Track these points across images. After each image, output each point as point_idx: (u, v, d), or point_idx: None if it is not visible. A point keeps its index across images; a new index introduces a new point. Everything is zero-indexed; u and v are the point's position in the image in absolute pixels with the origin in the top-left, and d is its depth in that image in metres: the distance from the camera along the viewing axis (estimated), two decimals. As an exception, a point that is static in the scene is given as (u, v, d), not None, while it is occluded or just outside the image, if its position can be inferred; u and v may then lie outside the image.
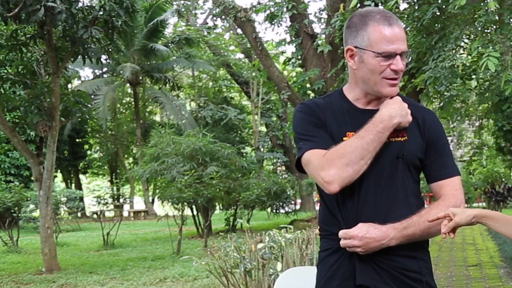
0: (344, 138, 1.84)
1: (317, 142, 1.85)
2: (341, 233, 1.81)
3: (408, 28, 8.09)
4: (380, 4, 8.98)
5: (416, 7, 8.06)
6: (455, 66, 7.40)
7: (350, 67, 1.89)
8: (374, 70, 1.82)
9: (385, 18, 1.82)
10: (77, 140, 29.05)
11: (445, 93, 7.79)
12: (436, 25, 7.97)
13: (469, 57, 8.07)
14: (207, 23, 25.15)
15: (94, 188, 33.93)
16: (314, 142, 1.86)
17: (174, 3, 25.53)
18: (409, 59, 1.91)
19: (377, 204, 1.83)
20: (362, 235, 1.77)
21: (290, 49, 19.95)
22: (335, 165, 1.77)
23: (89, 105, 13.75)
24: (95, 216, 18.75)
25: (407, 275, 1.83)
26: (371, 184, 1.83)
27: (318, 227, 2.01)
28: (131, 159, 32.84)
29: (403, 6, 9.38)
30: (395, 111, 1.81)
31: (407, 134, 1.87)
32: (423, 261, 1.89)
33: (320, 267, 1.95)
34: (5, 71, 9.88)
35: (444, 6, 7.32)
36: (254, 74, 21.26)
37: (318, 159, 1.81)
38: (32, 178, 12.31)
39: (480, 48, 6.26)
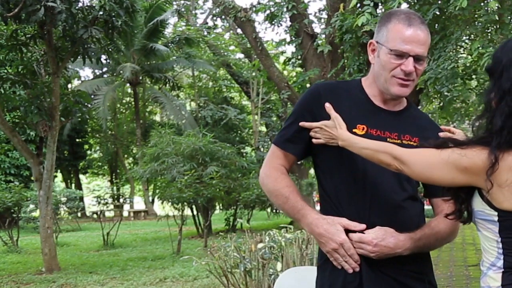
0: (354, 130, 1.83)
1: (291, 137, 1.92)
2: (356, 237, 1.77)
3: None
4: (380, 4, 8.97)
5: (417, 8, 8.04)
6: (456, 66, 7.38)
7: (370, 61, 1.92)
8: (385, 66, 1.83)
9: (407, 18, 1.82)
10: (77, 140, 29.03)
11: (446, 93, 7.77)
12: (437, 25, 7.96)
13: (470, 57, 8.05)
14: (207, 23, 25.08)
15: (94, 188, 33.91)
16: (288, 136, 1.93)
17: (174, 3, 25.48)
18: (426, 64, 1.90)
19: (386, 205, 1.81)
20: (376, 242, 1.74)
21: (290, 49, 19.89)
22: (269, 183, 1.93)
23: (89, 105, 13.75)
24: (95, 216, 18.75)
25: (412, 276, 1.84)
26: (382, 185, 1.81)
27: None
28: (131, 159, 32.80)
29: (403, 6, 9.36)
30: (325, 235, 1.78)
31: (419, 141, 1.87)
32: (426, 260, 1.91)
33: (320, 272, 1.91)
34: (5, 71, 9.87)
35: (444, 7, 7.31)
36: (254, 74, 21.20)
37: (271, 160, 1.96)
38: (32, 178, 12.29)
39: (480, 48, 6.25)
